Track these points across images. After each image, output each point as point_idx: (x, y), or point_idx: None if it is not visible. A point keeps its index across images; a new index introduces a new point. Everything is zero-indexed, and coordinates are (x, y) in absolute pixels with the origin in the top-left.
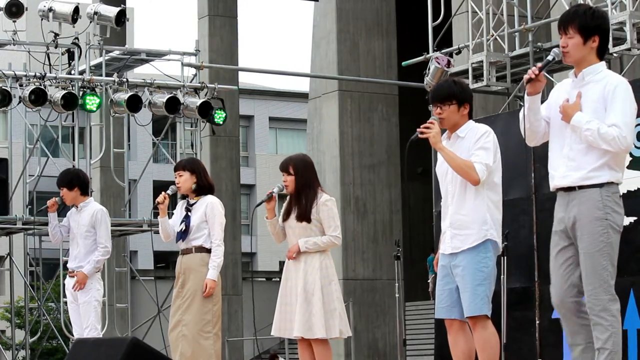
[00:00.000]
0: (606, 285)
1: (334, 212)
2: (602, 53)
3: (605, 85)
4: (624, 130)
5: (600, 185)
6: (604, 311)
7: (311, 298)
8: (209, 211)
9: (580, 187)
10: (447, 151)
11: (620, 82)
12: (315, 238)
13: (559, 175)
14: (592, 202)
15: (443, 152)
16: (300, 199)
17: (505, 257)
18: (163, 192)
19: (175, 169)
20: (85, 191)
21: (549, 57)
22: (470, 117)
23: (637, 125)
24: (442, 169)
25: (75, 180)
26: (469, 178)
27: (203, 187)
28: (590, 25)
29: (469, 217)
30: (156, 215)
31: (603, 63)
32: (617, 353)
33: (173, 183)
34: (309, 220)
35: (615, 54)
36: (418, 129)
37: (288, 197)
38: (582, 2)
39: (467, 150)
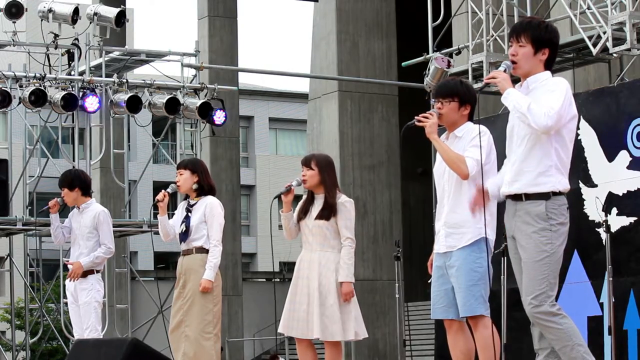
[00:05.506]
0: (544, 296)
1: (352, 214)
2: (549, 66)
3: (547, 87)
4: (551, 112)
5: (547, 197)
6: (547, 315)
7: (325, 300)
8: (208, 211)
9: (527, 197)
10: (440, 143)
11: (560, 81)
12: (342, 263)
13: (506, 182)
14: (537, 213)
15: (437, 144)
16: (324, 195)
17: (505, 258)
18: (163, 190)
19: (177, 168)
20: (86, 192)
21: (501, 68)
22: (470, 119)
23: (636, 126)
24: (440, 169)
25: (76, 181)
26: (459, 171)
27: (204, 188)
28: (543, 38)
29: (464, 216)
30: (156, 214)
31: (548, 72)
32: (582, 345)
33: (174, 183)
34: (328, 218)
35: (615, 54)
36: (416, 117)
37: (305, 196)
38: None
39: (462, 150)
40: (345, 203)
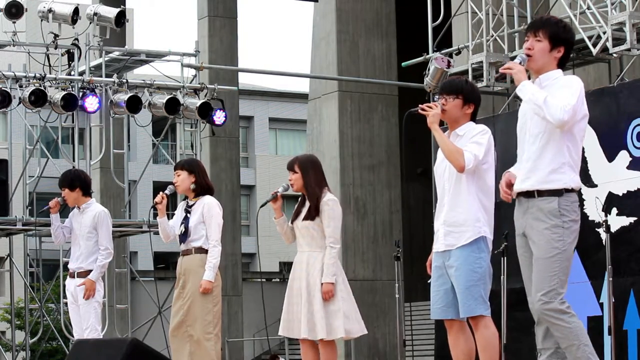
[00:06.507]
0: (554, 292)
1: (335, 212)
2: (562, 65)
3: (561, 84)
4: (568, 107)
5: (560, 194)
6: (556, 312)
7: (312, 299)
8: (206, 212)
9: (540, 194)
10: (441, 134)
11: (574, 78)
12: (325, 264)
13: (519, 179)
14: (550, 210)
15: (437, 134)
16: (308, 196)
17: (505, 257)
18: (161, 192)
19: (175, 169)
20: (87, 192)
21: (517, 59)
22: (472, 119)
23: (636, 126)
24: (441, 167)
25: (76, 181)
26: (456, 163)
27: (202, 188)
28: (560, 36)
29: (463, 215)
30: (155, 215)
31: (560, 71)
32: (588, 345)
33: (171, 184)
34: (313, 218)
35: (615, 54)
36: (420, 105)
37: (300, 198)
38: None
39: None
40: (328, 202)
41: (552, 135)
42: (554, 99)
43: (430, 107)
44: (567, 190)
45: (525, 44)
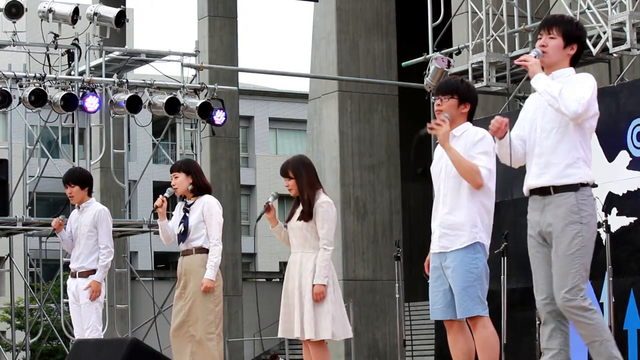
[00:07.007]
0: (577, 289)
1: (329, 214)
2: (574, 62)
3: (575, 80)
4: (583, 100)
5: (576, 189)
6: (579, 309)
7: (303, 299)
8: (206, 210)
9: (555, 190)
10: (454, 152)
11: (588, 75)
12: (317, 266)
13: (532, 175)
14: (568, 206)
15: (450, 152)
16: (302, 199)
17: (505, 257)
18: (160, 196)
19: (171, 171)
20: (91, 192)
21: (532, 53)
22: (470, 118)
23: (636, 126)
24: (437, 168)
25: (89, 180)
26: (473, 182)
27: (200, 188)
28: (574, 34)
29: (460, 219)
30: (156, 217)
31: (572, 69)
32: (609, 340)
33: (170, 187)
34: (306, 220)
35: (615, 54)
36: (428, 124)
37: (295, 199)
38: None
39: (462, 151)
40: (322, 204)
41: (566, 130)
42: (568, 92)
43: (439, 125)
44: (583, 185)
45: (539, 42)
